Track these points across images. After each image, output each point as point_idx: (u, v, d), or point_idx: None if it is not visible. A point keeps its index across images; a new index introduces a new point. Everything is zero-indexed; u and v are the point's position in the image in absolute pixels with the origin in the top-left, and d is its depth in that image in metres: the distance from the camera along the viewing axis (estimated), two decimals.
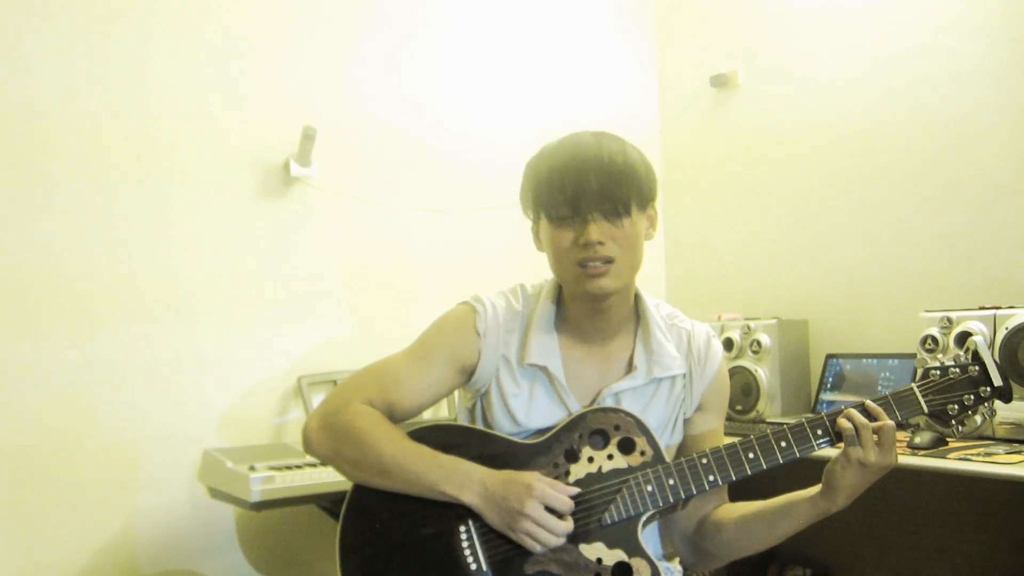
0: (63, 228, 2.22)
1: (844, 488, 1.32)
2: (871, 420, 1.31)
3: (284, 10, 2.59)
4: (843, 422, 1.32)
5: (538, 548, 1.29)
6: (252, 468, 2.03)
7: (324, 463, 1.45)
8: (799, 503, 1.37)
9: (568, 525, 1.30)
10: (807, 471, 1.46)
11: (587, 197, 1.33)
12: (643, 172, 1.38)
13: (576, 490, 1.32)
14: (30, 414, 2.16)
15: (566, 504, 1.30)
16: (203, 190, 2.42)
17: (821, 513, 1.36)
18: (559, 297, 1.46)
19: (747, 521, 1.41)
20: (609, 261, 1.34)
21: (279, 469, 2.04)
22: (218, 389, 2.43)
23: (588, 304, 1.41)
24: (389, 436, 1.36)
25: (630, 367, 1.44)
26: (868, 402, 1.34)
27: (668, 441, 1.46)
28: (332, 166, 2.62)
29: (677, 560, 1.51)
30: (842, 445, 1.31)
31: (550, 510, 1.29)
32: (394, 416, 1.42)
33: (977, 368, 1.36)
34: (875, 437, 1.30)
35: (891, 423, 1.31)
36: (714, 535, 1.45)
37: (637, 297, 1.48)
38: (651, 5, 3.45)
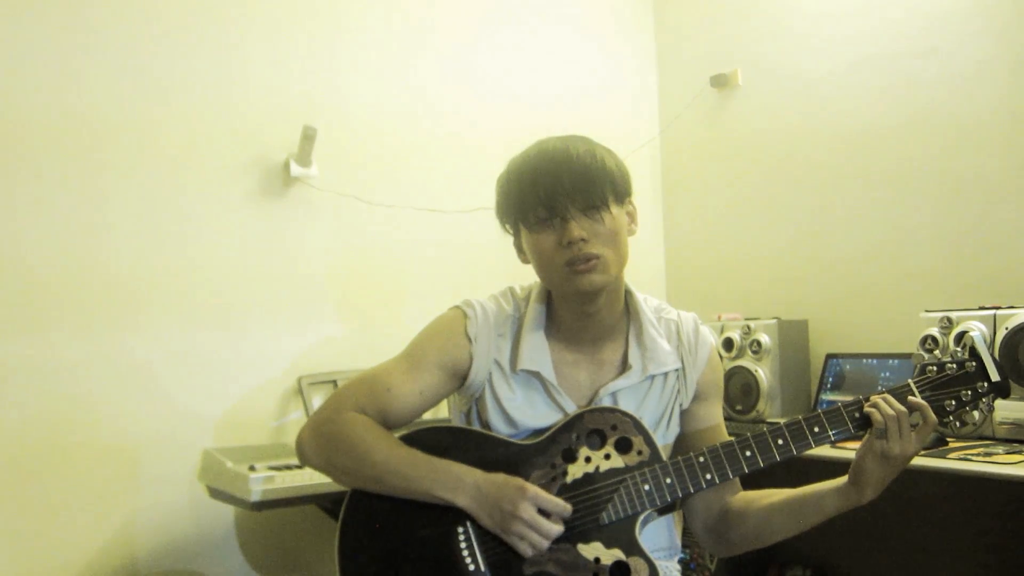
0: (63, 228, 2.22)
1: (873, 482, 1.31)
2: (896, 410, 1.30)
3: (285, 11, 2.59)
4: (876, 414, 1.30)
5: (529, 551, 1.29)
6: (252, 468, 2.04)
7: (319, 472, 1.44)
8: (827, 495, 1.36)
9: (559, 528, 1.30)
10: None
11: (562, 194, 1.32)
12: (614, 168, 1.37)
13: (567, 508, 1.32)
14: (30, 414, 2.16)
15: (559, 506, 1.30)
16: (203, 190, 2.43)
17: (851, 505, 1.34)
18: (548, 300, 1.45)
19: (773, 512, 1.40)
20: (595, 258, 1.33)
21: (279, 469, 2.05)
22: (218, 389, 2.43)
23: (578, 307, 1.40)
24: (381, 442, 1.36)
25: (624, 366, 1.44)
26: (911, 385, 1.33)
27: (664, 435, 1.45)
28: (332, 166, 2.62)
29: (676, 559, 1.51)
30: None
31: (543, 512, 1.29)
32: (388, 423, 1.41)
33: (974, 364, 1.34)
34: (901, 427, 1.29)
35: (904, 410, 1.30)
36: (738, 525, 1.44)
37: (628, 294, 1.48)
38: (651, 5, 3.44)
